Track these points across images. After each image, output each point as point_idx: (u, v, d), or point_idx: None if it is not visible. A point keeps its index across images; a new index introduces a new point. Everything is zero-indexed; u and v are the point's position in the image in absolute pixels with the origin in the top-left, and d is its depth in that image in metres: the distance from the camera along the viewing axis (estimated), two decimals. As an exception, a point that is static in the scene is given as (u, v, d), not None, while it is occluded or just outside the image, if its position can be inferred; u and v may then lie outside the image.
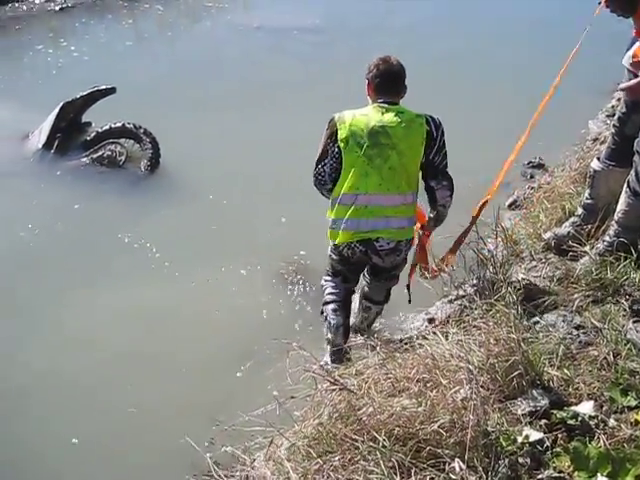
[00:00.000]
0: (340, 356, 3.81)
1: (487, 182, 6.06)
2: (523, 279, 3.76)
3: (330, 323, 3.94)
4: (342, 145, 3.73)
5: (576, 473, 2.45)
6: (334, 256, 3.98)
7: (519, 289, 3.52)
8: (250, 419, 3.01)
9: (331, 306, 4.00)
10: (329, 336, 3.95)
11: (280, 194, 5.72)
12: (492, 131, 6.90)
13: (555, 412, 2.75)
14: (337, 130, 3.75)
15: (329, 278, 4.10)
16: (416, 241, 4.05)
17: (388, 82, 3.79)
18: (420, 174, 3.82)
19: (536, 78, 8.21)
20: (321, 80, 8.36)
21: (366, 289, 4.17)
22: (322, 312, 4.07)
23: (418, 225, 4.02)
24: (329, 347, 3.95)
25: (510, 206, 5.79)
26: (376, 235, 3.76)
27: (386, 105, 3.76)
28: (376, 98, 3.81)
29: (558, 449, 2.59)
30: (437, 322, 4.12)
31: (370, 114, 3.74)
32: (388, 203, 3.75)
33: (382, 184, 3.71)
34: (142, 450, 3.52)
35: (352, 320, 4.20)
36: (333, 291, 4.05)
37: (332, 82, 8.17)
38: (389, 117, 3.71)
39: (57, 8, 11.43)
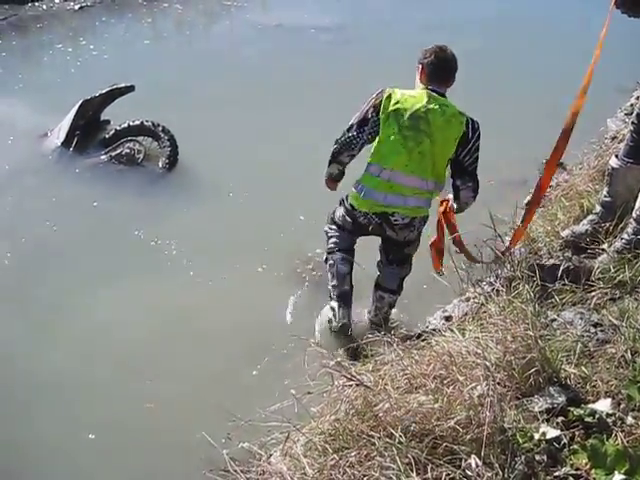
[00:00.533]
0: (346, 300, 4.17)
1: (509, 180, 6.10)
2: (541, 276, 3.74)
3: (338, 271, 4.20)
4: (383, 117, 3.91)
5: (593, 471, 2.44)
6: (348, 218, 4.18)
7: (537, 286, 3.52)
8: (266, 415, 3.02)
9: (338, 255, 4.25)
10: (334, 282, 4.20)
11: (298, 192, 5.71)
12: (513, 129, 6.89)
13: (572, 409, 2.74)
14: (382, 102, 3.92)
15: (335, 227, 4.31)
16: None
17: (441, 70, 3.98)
18: (450, 171, 4.04)
19: (557, 78, 8.25)
20: (338, 79, 8.34)
21: (380, 277, 4.35)
22: (326, 260, 4.32)
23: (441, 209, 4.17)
24: (334, 293, 4.20)
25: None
26: (392, 210, 3.99)
27: (435, 94, 3.93)
28: (427, 84, 3.98)
29: (575, 446, 2.57)
30: (454, 319, 4.13)
31: (418, 97, 3.91)
32: (409, 184, 3.95)
33: (408, 165, 3.91)
34: (158, 445, 3.54)
35: (366, 315, 4.35)
36: (339, 240, 4.29)
37: (349, 81, 8.16)
38: (434, 106, 3.88)
39: (76, 7, 11.49)
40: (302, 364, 3.19)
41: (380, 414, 2.69)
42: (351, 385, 2.85)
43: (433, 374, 2.90)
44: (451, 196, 4.17)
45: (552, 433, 2.62)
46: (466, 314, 3.92)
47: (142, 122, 6.66)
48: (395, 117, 3.89)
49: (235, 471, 2.85)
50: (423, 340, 3.42)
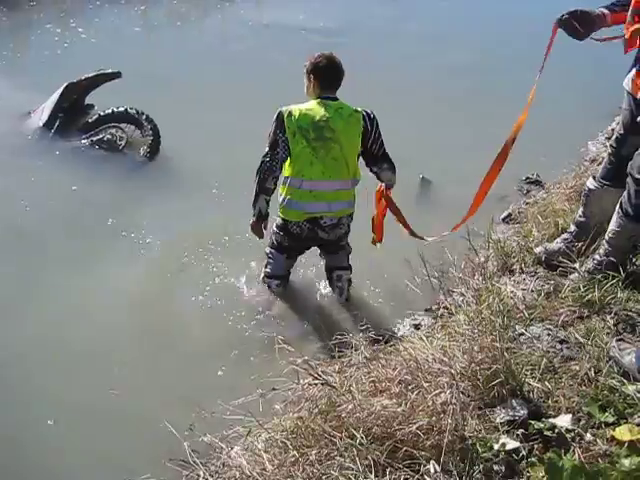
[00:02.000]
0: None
1: (491, 194, 6.13)
2: (511, 291, 3.78)
3: (273, 292, 4.62)
4: (289, 136, 4.17)
5: (549, 484, 2.47)
6: (282, 233, 4.44)
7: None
8: (230, 409, 3.03)
9: (275, 281, 4.64)
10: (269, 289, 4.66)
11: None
12: (493, 144, 6.93)
13: (533, 423, 2.77)
14: (284, 122, 4.17)
15: (274, 252, 4.57)
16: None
17: (332, 77, 4.28)
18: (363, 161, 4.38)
19: (547, 97, 8.33)
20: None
21: (329, 264, 4.66)
22: (263, 280, 4.68)
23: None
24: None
25: (504, 219, 5.81)
26: (320, 214, 4.30)
27: (329, 101, 4.23)
28: (319, 93, 4.26)
29: (533, 459, 2.61)
30: (423, 327, 4.16)
31: (314, 109, 4.19)
32: (330, 188, 4.28)
33: (325, 172, 4.21)
34: (120, 433, 3.48)
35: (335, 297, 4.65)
36: (276, 267, 4.61)
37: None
38: (331, 113, 4.18)
39: (69, -10, 11.44)
40: (269, 360, 3.21)
41: (343, 415, 2.71)
42: (316, 384, 2.87)
43: (398, 379, 2.92)
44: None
45: (511, 444, 2.65)
46: (435, 322, 3.95)
47: (126, 109, 6.65)
48: (301, 132, 4.15)
49: (195, 462, 2.86)
50: (391, 345, 3.44)
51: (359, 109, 4.26)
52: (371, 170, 4.43)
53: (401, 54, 9.89)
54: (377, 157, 4.36)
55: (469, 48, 10.23)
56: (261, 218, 4.37)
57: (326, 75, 4.26)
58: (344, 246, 4.61)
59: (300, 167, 4.22)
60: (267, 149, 4.25)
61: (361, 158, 4.39)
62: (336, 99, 4.28)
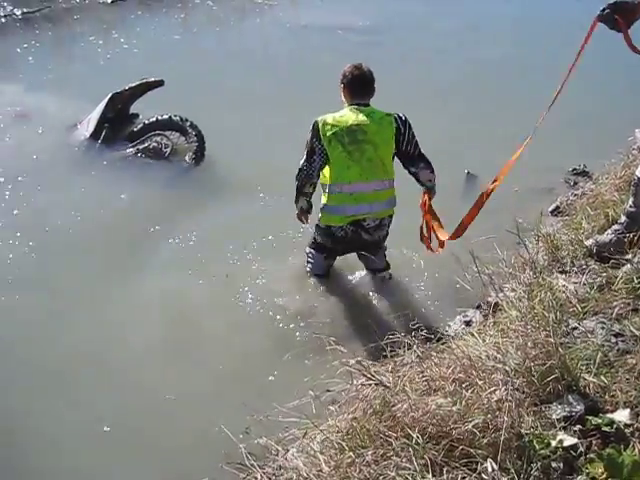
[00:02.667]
0: None
1: (535, 188, 6.09)
2: (563, 285, 3.74)
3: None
4: (326, 144, 4.40)
5: (609, 480, 2.44)
6: (326, 237, 4.67)
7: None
8: (285, 411, 3.05)
9: (315, 278, 4.85)
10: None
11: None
12: (541, 136, 6.85)
13: (590, 418, 2.73)
14: (320, 131, 4.41)
15: (313, 252, 4.82)
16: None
17: (361, 86, 4.51)
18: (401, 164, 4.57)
19: (592, 85, 8.21)
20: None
21: (370, 266, 4.87)
22: (307, 273, 4.89)
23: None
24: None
25: (553, 212, 5.74)
26: (362, 217, 4.51)
27: (360, 107, 4.46)
28: (351, 101, 4.51)
29: (592, 455, 2.57)
30: (474, 324, 4.13)
31: (347, 115, 4.43)
32: (369, 190, 4.46)
33: (362, 174, 4.42)
34: (176, 438, 3.54)
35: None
36: (316, 267, 4.86)
37: (378, 82, 8.20)
38: (363, 117, 4.41)
39: (109, 1, 11.58)
40: (322, 362, 3.22)
41: (398, 414, 2.71)
42: (370, 385, 2.87)
43: (452, 377, 2.91)
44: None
45: (569, 441, 2.62)
46: (487, 319, 3.92)
47: (170, 117, 6.72)
48: (336, 138, 4.38)
49: (252, 465, 2.88)
50: (443, 343, 3.42)
51: (391, 113, 4.47)
52: (409, 172, 4.60)
53: (436, 49, 9.85)
54: (413, 157, 4.53)
55: (503, 41, 10.15)
56: (304, 212, 4.69)
57: (356, 84, 4.49)
58: (383, 247, 4.80)
59: (338, 172, 4.45)
60: (304, 157, 4.49)
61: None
62: (368, 105, 4.50)
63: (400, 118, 4.47)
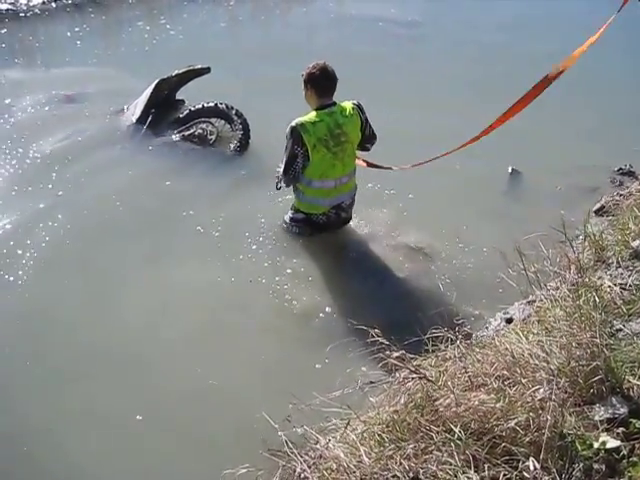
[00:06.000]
0: None
1: (580, 186, 6.02)
2: (608, 285, 3.70)
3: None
4: (310, 148, 4.72)
5: (652, 484, 2.42)
6: (303, 224, 5.11)
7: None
8: (327, 401, 3.06)
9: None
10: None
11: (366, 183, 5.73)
12: (586, 135, 6.79)
13: (634, 421, 2.70)
14: (302, 137, 4.69)
15: (298, 227, 5.17)
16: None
17: (327, 85, 4.79)
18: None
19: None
20: (407, 72, 8.43)
21: None
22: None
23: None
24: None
25: (597, 212, 5.67)
26: (343, 199, 5.05)
27: (332, 108, 4.79)
28: (318, 100, 4.80)
29: (635, 459, 2.54)
30: (515, 321, 4.11)
31: (325, 120, 4.74)
32: (347, 180, 4.99)
33: (344, 169, 4.91)
34: (216, 424, 3.59)
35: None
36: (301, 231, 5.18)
37: (416, 75, 8.24)
38: (341, 118, 4.78)
39: (158, -13, 11.66)
40: (364, 354, 3.23)
41: (440, 409, 2.71)
42: (413, 378, 2.87)
43: (495, 374, 2.90)
44: None
45: (612, 443, 2.59)
46: (530, 317, 3.90)
47: (216, 104, 6.76)
48: (321, 143, 4.72)
49: (292, 453, 2.89)
50: (485, 339, 3.41)
51: (351, 104, 4.87)
52: (364, 148, 5.12)
53: (481, 44, 9.75)
54: (370, 136, 5.03)
55: (552, 37, 10.00)
56: None
57: (321, 84, 4.76)
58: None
59: (323, 170, 4.84)
60: (285, 163, 4.84)
61: None
62: (335, 103, 4.84)
63: (359, 107, 4.91)
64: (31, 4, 10.49)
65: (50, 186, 5.86)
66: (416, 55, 9.27)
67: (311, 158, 4.77)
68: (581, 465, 2.51)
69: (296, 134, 4.71)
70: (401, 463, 2.58)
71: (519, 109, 4.45)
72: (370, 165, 5.34)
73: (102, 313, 4.46)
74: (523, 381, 2.80)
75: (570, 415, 2.71)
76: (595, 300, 3.28)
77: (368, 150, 5.17)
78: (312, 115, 4.77)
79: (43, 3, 10.56)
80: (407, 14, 11.01)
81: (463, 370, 2.96)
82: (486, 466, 2.47)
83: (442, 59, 9.11)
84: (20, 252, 4.96)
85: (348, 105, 4.84)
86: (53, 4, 10.59)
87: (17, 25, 9.98)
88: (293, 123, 4.73)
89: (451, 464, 2.47)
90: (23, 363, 4.06)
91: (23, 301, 4.54)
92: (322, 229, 5.14)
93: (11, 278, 4.71)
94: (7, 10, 10.25)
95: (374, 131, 5.03)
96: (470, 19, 11.08)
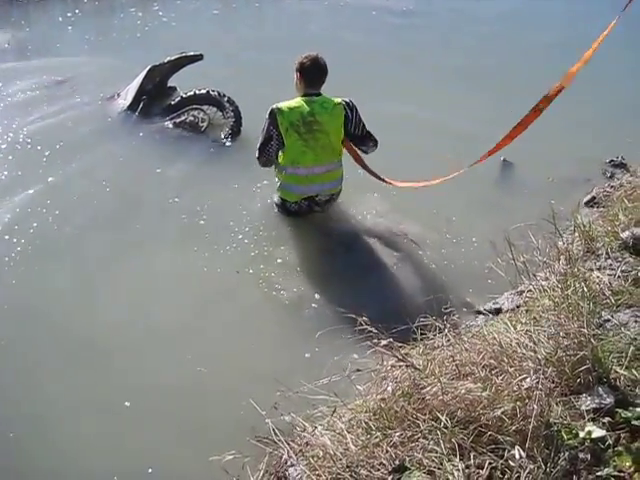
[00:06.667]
0: None
1: (571, 178, 6.03)
2: (597, 276, 3.70)
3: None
4: (283, 131, 4.92)
5: (637, 474, 2.43)
6: (282, 209, 5.30)
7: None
8: (314, 389, 3.06)
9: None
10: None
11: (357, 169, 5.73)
12: (578, 126, 6.79)
13: (620, 411, 2.71)
14: (277, 119, 4.90)
15: (276, 206, 5.36)
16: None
17: (317, 75, 4.96)
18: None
19: (632, 75, 8.08)
20: (398, 58, 8.43)
21: None
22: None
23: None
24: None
25: (588, 203, 5.68)
26: (316, 193, 5.14)
27: (314, 97, 4.95)
28: (305, 89, 4.98)
29: (620, 448, 2.55)
30: (504, 311, 4.12)
31: (302, 106, 4.92)
32: (321, 171, 5.05)
33: (316, 159, 4.99)
34: (204, 411, 3.56)
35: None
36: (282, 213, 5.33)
37: (413, 65, 8.23)
38: (317, 108, 4.92)
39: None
40: (352, 342, 3.23)
41: (427, 397, 2.72)
42: (400, 366, 2.88)
43: (483, 363, 2.90)
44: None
45: (598, 433, 2.59)
46: (518, 307, 3.91)
47: (208, 91, 6.74)
48: (292, 128, 4.90)
49: (279, 440, 2.90)
50: (474, 328, 3.42)
51: (339, 100, 4.97)
52: (359, 149, 5.20)
53: (476, 34, 9.78)
54: (362, 138, 5.10)
55: (547, 27, 10.03)
56: None
57: (311, 74, 4.94)
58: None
59: (294, 156, 4.98)
60: (261, 143, 5.01)
61: None
62: (320, 94, 5.00)
63: (348, 105, 4.99)
64: (23, -12, 10.43)
65: (40, 171, 5.83)
66: (410, 44, 9.26)
67: (285, 143, 4.96)
68: (567, 454, 2.52)
69: (272, 116, 4.93)
70: (387, 451, 2.59)
71: (519, 132, 4.50)
72: (363, 167, 5.31)
73: (87, 300, 4.42)
74: (510, 370, 2.81)
75: (557, 405, 2.73)
76: (584, 290, 3.29)
77: (366, 153, 5.23)
78: (293, 101, 4.98)
79: (35, -13, 10.50)
80: (402, 3, 11.00)
81: (451, 359, 2.97)
82: (472, 454, 2.48)
83: (436, 48, 9.11)
84: (7, 237, 4.93)
85: (334, 100, 4.97)
86: (45, -11, 10.54)
87: (8, 10, 9.92)
88: (273, 106, 4.95)
89: (437, 452, 2.48)
90: (8, 352, 4.03)
91: (8, 288, 4.50)
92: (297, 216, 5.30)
93: (-4, 265, 4.67)
94: (-1, -5, 10.20)
95: (371, 134, 5.10)
96: (465, 8, 11.08)
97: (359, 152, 5.24)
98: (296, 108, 4.92)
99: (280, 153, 5.06)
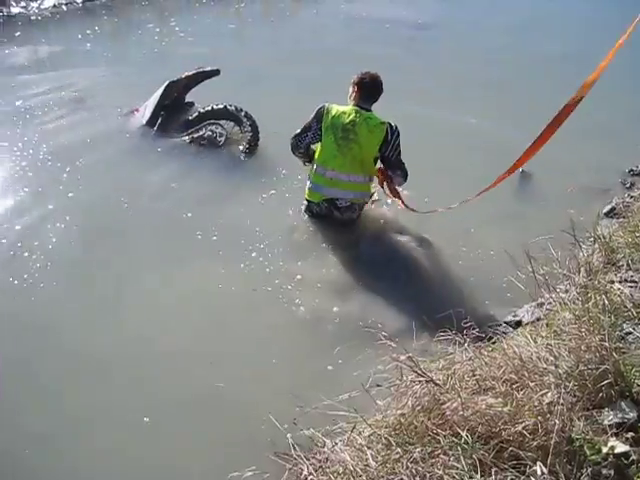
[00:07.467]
0: None
1: (591, 187, 6.00)
2: (618, 288, 3.67)
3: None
4: (323, 129, 5.21)
5: (661, 490, 2.40)
6: (307, 211, 5.50)
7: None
8: (333, 404, 3.05)
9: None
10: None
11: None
12: (598, 136, 6.77)
13: (643, 426, 2.69)
14: (323, 116, 5.20)
15: (304, 210, 5.53)
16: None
17: (372, 92, 5.18)
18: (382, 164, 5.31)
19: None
20: (415, 71, 8.49)
21: None
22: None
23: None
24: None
25: (608, 214, 5.64)
26: (336, 197, 5.29)
27: (362, 110, 5.14)
28: (357, 101, 5.18)
29: (644, 464, 2.54)
30: (524, 324, 4.09)
31: (348, 113, 5.14)
32: (347, 179, 5.24)
33: (344, 166, 5.19)
34: (223, 426, 3.56)
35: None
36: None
37: (422, 75, 8.34)
38: (360, 120, 5.09)
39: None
40: (372, 357, 3.21)
41: (447, 413, 2.70)
42: (420, 381, 2.86)
43: (503, 377, 2.88)
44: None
45: (621, 448, 2.57)
46: (539, 319, 3.88)
47: (225, 106, 6.76)
48: (332, 129, 5.15)
49: (298, 456, 2.89)
50: (494, 342, 3.40)
51: (385, 121, 5.09)
52: (387, 172, 5.31)
53: (493, 46, 9.79)
54: (392, 163, 5.22)
55: (560, 39, 10.02)
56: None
57: (368, 90, 5.16)
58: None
59: (326, 157, 5.22)
60: (299, 131, 5.35)
61: None
62: (369, 110, 5.18)
63: (391, 128, 5.09)
64: (42, 7, 10.55)
65: (61, 187, 5.86)
66: (427, 56, 9.28)
67: (322, 140, 5.24)
68: (589, 470, 2.50)
69: (320, 111, 5.25)
70: (408, 467, 2.57)
71: (542, 143, 4.54)
72: (395, 195, 5.42)
73: (105, 317, 4.41)
74: (531, 385, 2.79)
75: (578, 419, 2.70)
76: (604, 303, 3.26)
77: (391, 180, 5.34)
78: (344, 106, 5.22)
79: (54, 6, 10.61)
80: (416, 16, 11.04)
81: (471, 373, 2.95)
82: (493, 470, 2.46)
83: (452, 60, 9.12)
84: (26, 254, 4.95)
85: (380, 119, 5.11)
86: (64, 7, 10.65)
87: (29, 28, 10.03)
88: (325, 103, 5.25)
89: (458, 468, 2.46)
90: (26, 367, 4.03)
91: (27, 304, 4.50)
92: (319, 218, 5.47)
93: (16, 281, 4.67)
94: (19, 14, 10.31)
95: (403, 165, 5.22)
96: (478, 20, 11.10)
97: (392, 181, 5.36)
98: (343, 113, 5.15)
99: (318, 148, 5.34)
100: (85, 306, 4.52)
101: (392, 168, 5.26)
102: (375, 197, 5.70)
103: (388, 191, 5.47)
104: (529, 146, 4.60)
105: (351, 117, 5.11)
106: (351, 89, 5.22)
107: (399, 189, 5.41)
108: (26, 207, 5.57)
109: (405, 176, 5.26)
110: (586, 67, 4.58)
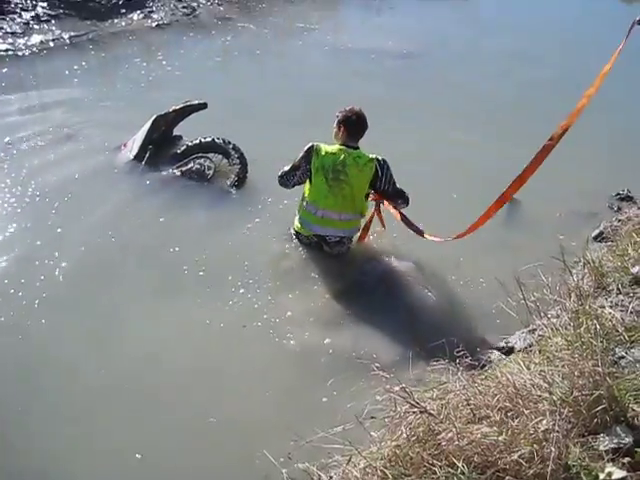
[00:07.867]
0: None
1: (579, 212, 6.04)
2: (609, 312, 3.68)
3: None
4: (313, 170, 5.20)
5: (660, 515, 2.39)
6: (295, 239, 5.55)
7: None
8: (328, 437, 3.03)
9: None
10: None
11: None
12: (584, 160, 6.82)
13: (639, 451, 2.68)
14: (312, 157, 5.18)
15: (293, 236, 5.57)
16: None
17: (358, 130, 5.20)
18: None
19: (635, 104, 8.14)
20: (398, 101, 8.54)
21: None
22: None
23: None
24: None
25: (596, 238, 5.68)
26: (326, 233, 5.32)
27: (350, 150, 5.16)
28: (344, 140, 5.21)
29: (641, 489, 2.52)
30: (517, 351, 4.08)
31: (337, 154, 5.15)
32: (337, 217, 5.28)
33: (335, 205, 5.23)
34: (217, 461, 3.54)
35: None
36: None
37: (406, 103, 8.38)
38: (350, 160, 5.12)
39: (154, 25, 11.73)
40: (365, 388, 3.19)
41: (442, 443, 2.68)
42: (414, 412, 2.85)
43: (498, 406, 2.87)
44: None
45: (618, 474, 2.56)
46: (531, 345, 3.88)
47: (213, 139, 6.77)
48: (322, 170, 5.15)
49: (294, 491, 2.87)
50: (487, 370, 3.39)
51: (373, 157, 5.12)
52: (390, 203, 5.42)
53: (480, 73, 9.90)
54: (390, 194, 5.28)
55: (548, 66, 10.14)
56: None
57: (354, 128, 5.18)
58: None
59: (316, 196, 5.24)
60: (287, 169, 5.34)
61: None
62: (357, 148, 5.20)
63: (379, 163, 5.13)
64: (29, 43, 10.56)
65: (49, 223, 5.83)
66: (412, 87, 9.36)
67: (312, 180, 5.22)
68: (587, 497, 2.48)
69: (309, 152, 5.22)
70: (404, 499, 2.55)
71: (529, 175, 4.57)
72: (404, 221, 5.43)
73: (92, 353, 4.38)
74: (526, 412, 2.78)
75: (574, 446, 2.69)
76: (596, 328, 3.26)
77: (396, 208, 5.42)
78: (332, 146, 5.22)
79: (41, 42, 10.63)
80: (401, 46, 11.15)
81: (465, 402, 2.94)
82: (490, 500, 2.44)
83: (437, 90, 9.21)
84: (12, 291, 4.91)
85: (368, 156, 5.14)
86: (51, 43, 10.67)
87: (16, 64, 10.04)
88: (314, 143, 5.23)
89: (454, 499, 2.44)
90: (22, 403, 4.00)
91: (18, 342, 4.47)
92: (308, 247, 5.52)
93: (2, 318, 4.64)
94: (6, 50, 10.32)
95: (402, 193, 5.27)
96: (465, 50, 11.23)
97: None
98: (332, 154, 5.15)
99: (307, 186, 5.33)
100: (72, 343, 4.48)
101: (392, 199, 5.34)
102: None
103: (385, 206, 5.52)
104: (516, 178, 4.62)
105: (341, 158, 5.12)
106: (337, 128, 5.24)
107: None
108: (14, 243, 5.54)
109: (407, 201, 5.32)
110: (573, 93, 4.63)
